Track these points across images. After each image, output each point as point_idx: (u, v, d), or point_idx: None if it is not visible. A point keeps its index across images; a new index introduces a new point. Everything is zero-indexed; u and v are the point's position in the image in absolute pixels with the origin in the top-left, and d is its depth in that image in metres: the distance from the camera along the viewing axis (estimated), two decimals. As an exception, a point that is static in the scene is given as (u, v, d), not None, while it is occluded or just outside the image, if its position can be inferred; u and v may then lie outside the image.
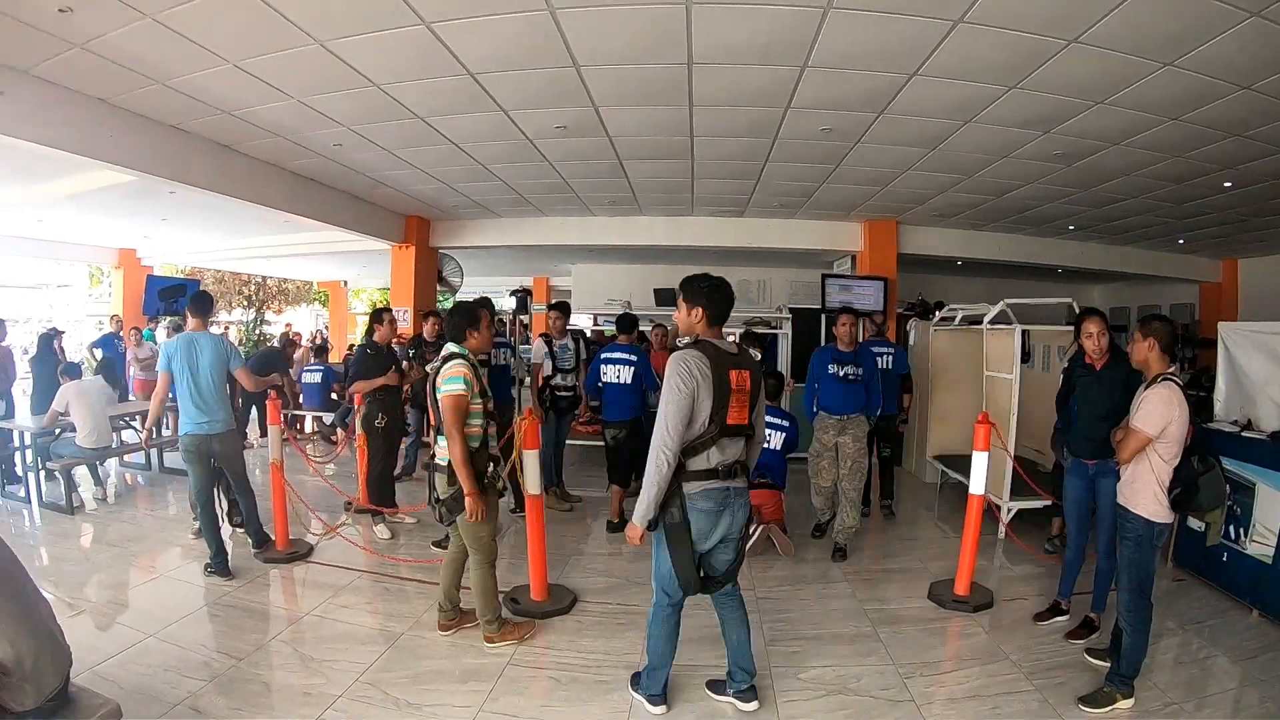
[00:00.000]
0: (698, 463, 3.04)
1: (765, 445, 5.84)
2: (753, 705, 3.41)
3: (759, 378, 3.22)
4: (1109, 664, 3.75)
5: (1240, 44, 4.25)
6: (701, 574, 3.18)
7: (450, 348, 3.86)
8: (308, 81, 5.34)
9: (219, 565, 4.93)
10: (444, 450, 3.75)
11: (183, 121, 6.30)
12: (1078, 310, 4.56)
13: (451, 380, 3.67)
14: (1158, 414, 3.40)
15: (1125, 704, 3.52)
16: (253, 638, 4.08)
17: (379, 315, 6.17)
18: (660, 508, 3.02)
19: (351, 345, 13.16)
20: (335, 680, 3.63)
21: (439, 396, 3.68)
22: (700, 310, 3.14)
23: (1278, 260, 12.09)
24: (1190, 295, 13.88)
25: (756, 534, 5.58)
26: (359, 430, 5.93)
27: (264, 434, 6.80)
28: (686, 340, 3.23)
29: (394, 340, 6.26)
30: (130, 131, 6.05)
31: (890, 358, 6.77)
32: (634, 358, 6.28)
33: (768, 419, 5.92)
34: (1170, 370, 3.55)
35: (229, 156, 7.18)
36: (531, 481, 4.49)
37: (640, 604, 4.61)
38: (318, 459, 8.72)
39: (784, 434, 5.99)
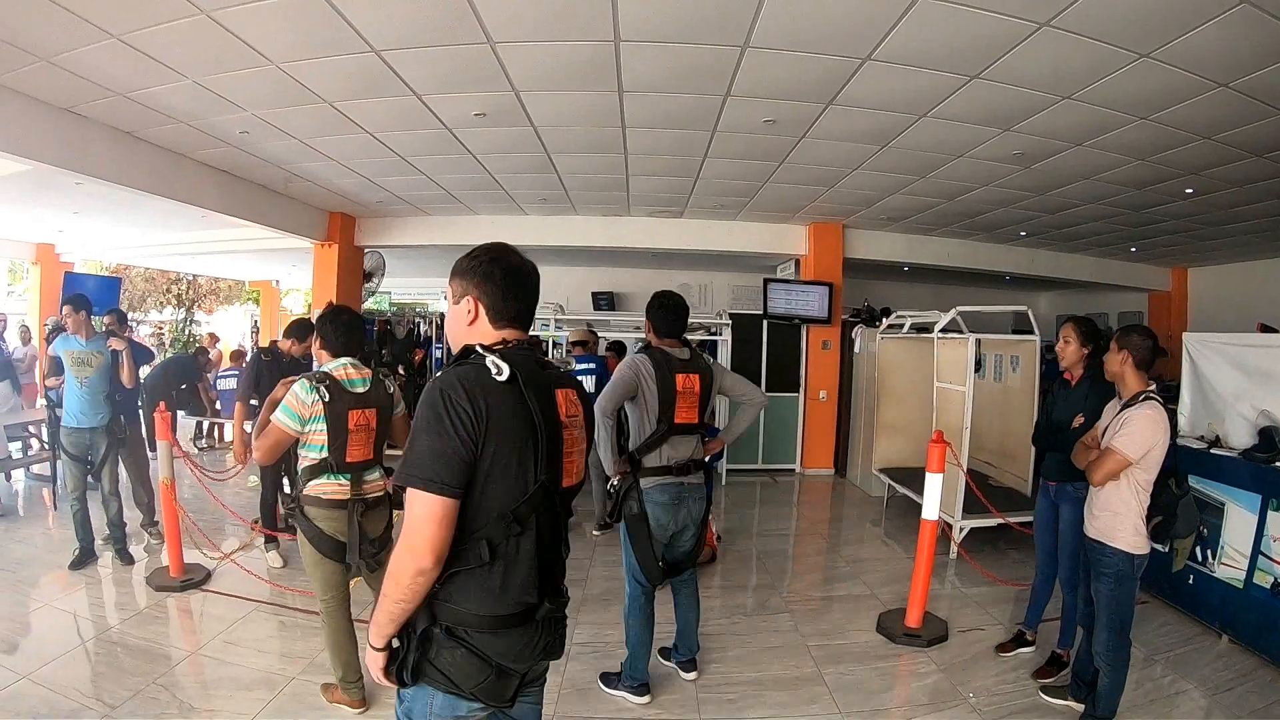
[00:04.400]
0: (651, 460, 3.40)
1: None
2: (692, 675, 3.85)
3: (710, 382, 3.51)
4: (1067, 702, 3.58)
5: (1224, 34, 3.93)
6: (663, 563, 3.49)
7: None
8: (200, 59, 4.79)
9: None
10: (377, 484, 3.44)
11: (76, 105, 5.69)
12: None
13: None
14: (1143, 437, 3.08)
15: None
16: (132, 681, 3.62)
17: (299, 331, 5.42)
18: (621, 501, 3.40)
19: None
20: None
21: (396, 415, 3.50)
22: (649, 324, 3.57)
23: (1228, 270, 12.03)
24: (1139, 303, 13.79)
25: None
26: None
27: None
28: (640, 346, 3.61)
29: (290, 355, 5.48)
30: (18, 114, 5.42)
31: None
32: (594, 366, 6.93)
33: None
34: (1150, 388, 3.24)
35: (131, 144, 6.55)
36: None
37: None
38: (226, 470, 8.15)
39: None
